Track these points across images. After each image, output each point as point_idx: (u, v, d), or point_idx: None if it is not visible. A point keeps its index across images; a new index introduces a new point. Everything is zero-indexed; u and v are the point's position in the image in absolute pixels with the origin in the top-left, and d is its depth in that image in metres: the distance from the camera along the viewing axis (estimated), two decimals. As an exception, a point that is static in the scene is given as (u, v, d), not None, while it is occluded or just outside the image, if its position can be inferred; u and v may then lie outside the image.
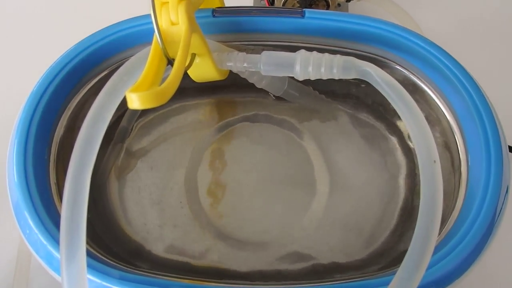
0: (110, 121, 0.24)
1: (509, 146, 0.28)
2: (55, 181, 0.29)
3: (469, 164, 0.28)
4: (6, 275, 0.36)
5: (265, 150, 0.36)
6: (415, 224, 0.23)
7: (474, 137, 0.28)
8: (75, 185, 0.23)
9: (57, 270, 0.26)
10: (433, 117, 0.31)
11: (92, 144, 0.24)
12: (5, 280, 0.36)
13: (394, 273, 0.23)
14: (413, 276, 0.22)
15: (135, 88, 0.22)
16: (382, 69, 0.26)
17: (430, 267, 0.24)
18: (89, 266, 0.24)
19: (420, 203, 0.23)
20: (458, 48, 0.31)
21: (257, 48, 0.31)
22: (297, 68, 0.27)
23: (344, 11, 0.42)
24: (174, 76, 0.23)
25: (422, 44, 0.29)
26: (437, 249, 0.25)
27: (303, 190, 0.35)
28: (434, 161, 0.24)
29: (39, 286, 0.35)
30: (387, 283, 0.22)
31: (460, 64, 0.29)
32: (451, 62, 0.29)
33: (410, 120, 0.25)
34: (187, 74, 0.29)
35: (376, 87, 0.26)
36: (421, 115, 0.25)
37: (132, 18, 0.31)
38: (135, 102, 0.21)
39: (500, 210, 0.26)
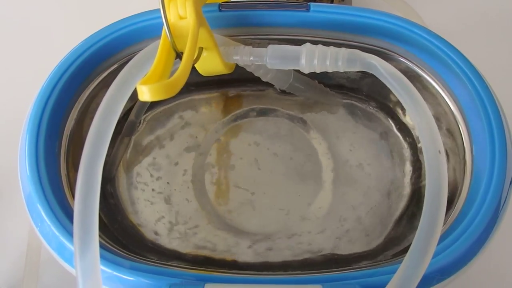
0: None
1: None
2: (66, 173, 0.29)
3: (474, 154, 0.28)
4: (16, 269, 0.36)
5: (271, 143, 0.36)
6: (421, 214, 0.23)
7: (478, 127, 0.28)
8: (88, 178, 0.23)
9: (69, 261, 0.26)
10: (437, 108, 0.31)
11: (103, 137, 0.24)
12: (16, 274, 0.36)
13: (400, 262, 0.23)
14: (419, 264, 0.22)
15: (145, 81, 0.22)
16: (387, 61, 0.26)
17: (435, 256, 0.24)
18: (100, 256, 0.24)
19: (425, 194, 0.23)
20: (461, 41, 0.31)
21: (263, 42, 0.31)
22: (303, 61, 0.27)
23: (348, 4, 0.42)
24: (183, 69, 0.23)
25: (426, 36, 0.30)
26: (441, 238, 0.25)
27: (309, 183, 0.35)
28: (439, 152, 0.24)
29: (49, 280, 0.36)
30: (394, 272, 0.23)
31: (464, 56, 0.29)
32: (455, 54, 0.29)
33: (415, 111, 0.25)
34: (194, 68, 0.29)
35: (381, 79, 0.26)
36: (425, 106, 0.25)
37: (141, 13, 0.31)
38: (145, 94, 0.21)
39: (505, 200, 0.27)
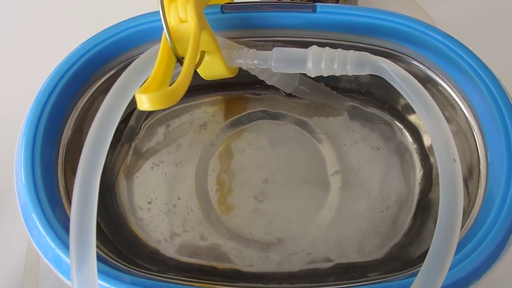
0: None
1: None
2: (63, 183, 0.29)
3: (489, 161, 0.27)
4: (16, 274, 0.36)
5: (276, 147, 0.35)
6: (431, 222, 0.22)
7: (493, 133, 0.27)
8: (85, 188, 0.22)
9: (66, 273, 0.26)
10: (450, 114, 0.30)
11: (101, 146, 0.23)
12: (15, 278, 0.36)
13: (414, 275, 0.22)
14: (435, 279, 0.21)
15: (144, 89, 0.21)
16: (398, 64, 0.26)
17: (450, 268, 0.23)
18: (99, 270, 0.23)
19: (440, 203, 0.22)
20: (473, 41, 0.30)
21: (267, 44, 0.30)
22: (309, 64, 0.26)
23: (354, 3, 0.41)
24: (184, 76, 0.22)
25: (438, 37, 0.29)
26: (456, 249, 0.24)
27: (316, 188, 0.34)
28: (454, 160, 0.23)
29: (48, 285, 0.35)
30: (408, 286, 0.22)
31: (478, 57, 0.28)
32: (469, 56, 0.28)
33: (428, 117, 0.24)
34: (196, 72, 0.29)
35: (392, 83, 0.25)
36: (439, 112, 0.24)
37: (140, 15, 0.30)
38: (145, 104, 0.20)
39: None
